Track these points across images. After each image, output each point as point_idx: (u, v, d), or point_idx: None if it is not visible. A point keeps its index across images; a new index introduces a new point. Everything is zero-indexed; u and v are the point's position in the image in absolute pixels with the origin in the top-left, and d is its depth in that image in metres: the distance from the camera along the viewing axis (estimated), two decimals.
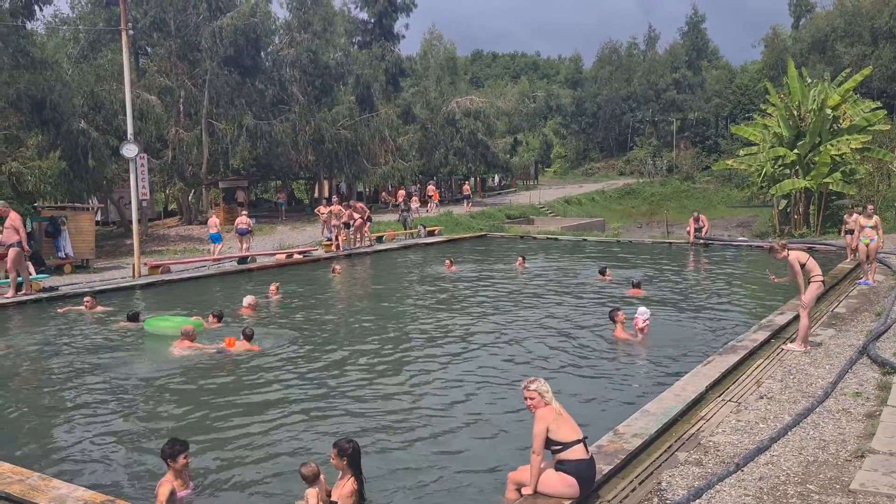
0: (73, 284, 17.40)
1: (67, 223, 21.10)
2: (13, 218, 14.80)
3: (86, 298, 14.12)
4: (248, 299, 13.58)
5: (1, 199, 18.55)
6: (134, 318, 12.70)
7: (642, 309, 11.20)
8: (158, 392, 8.91)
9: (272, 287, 15.38)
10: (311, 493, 5.32)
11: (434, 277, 18.63)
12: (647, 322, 11.00)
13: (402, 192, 41.18)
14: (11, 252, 14.68)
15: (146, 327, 11.95)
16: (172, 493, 5.52)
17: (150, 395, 8.81)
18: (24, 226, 19.94)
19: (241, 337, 10.71)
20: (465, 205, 43.24)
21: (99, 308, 13.86)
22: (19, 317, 13.79)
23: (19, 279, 15.16)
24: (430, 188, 43.72)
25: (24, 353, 10.90)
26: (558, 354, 10.35)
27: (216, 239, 23.14)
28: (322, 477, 5.47)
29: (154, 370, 9.90)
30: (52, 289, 16.13)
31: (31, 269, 17.74)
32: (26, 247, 15.13)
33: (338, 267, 19.53)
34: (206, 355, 10.40)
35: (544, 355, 10.31)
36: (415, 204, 38.11)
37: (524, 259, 20.03)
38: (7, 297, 14.74)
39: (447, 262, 19.68)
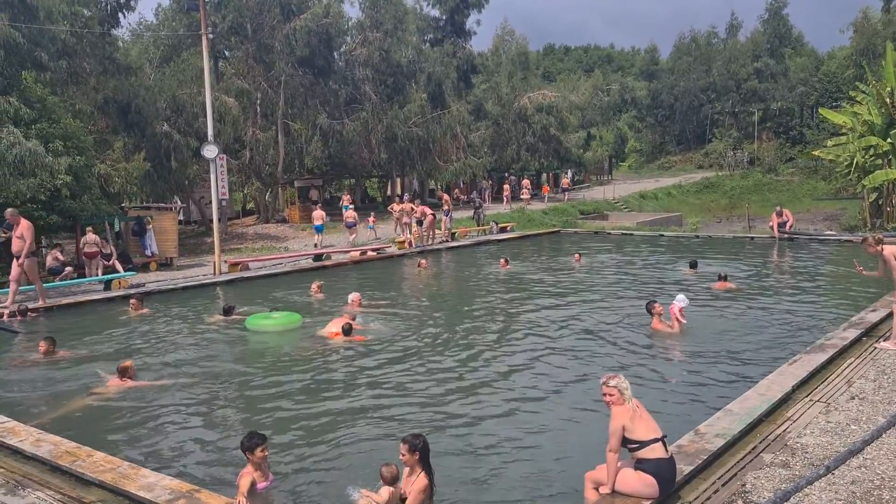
0: (158, 281, 18.10)
1: (152, 222, 21.95)
2: (24, 227, 13.73)
3: (131, 300, 14.11)
4: (352, 296, 13.76)
5: (90, 200, 19.40)
6: (228, 311, 12.99)
7: (680, 297, 11.11)
8: (245, 385, 9.17)
9: (314, 286, 15.47)
10: (386, 491, 5.36)
11: (490, 276, 18.46)
12: (684, 310, 10.92)
13: (507, 187, 41.77)
14: (28, 263, 13.68)
15: (248, 325, 12.13)
16: (253, 485, 5.65)
17: (237, 388, 9.08)
18: (112, 226, 20.82)
19: (341, 331, 11.07)
20: (564, 196, 44.81)
21: (144, 310, 13.94)
22: (111, 313, 14.34)
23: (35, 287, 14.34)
24: (526, 182, 43.70)
25: (116, 348, 11.38)
26: (627, 351, 10.17)
27: (320, 229, 26.36)
28: (400, 483, 5.52)
29: (244, 364, 10.23)
30: (139, 285, 16.81)
31: (119, 266, 18.58)
32: (23, 258, 13.72)
33: (423, 262, 19.86)
34: (312, 349, 10.76)
35: (612, 352, 10.17)
36: (526, 194, 39.74)
37: (580, 255, 20.11)
38: (39, 305, 14.17)
39: (502, 260, 19.54)
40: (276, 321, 12.00)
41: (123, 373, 9.01)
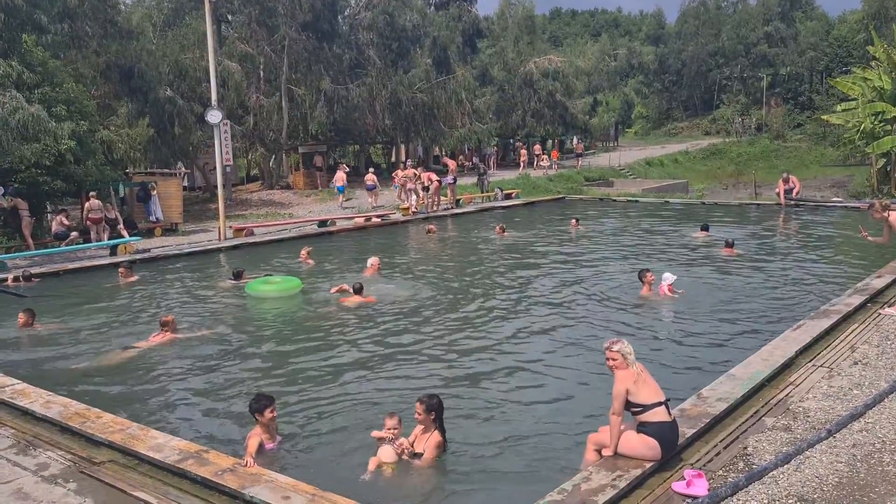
0: (163, 247, 18.15)
1: (157, 188, 21.94)
2: None
3: (120, 269, 14.19)
4: (371, 259, 13.78)
5: (94, 165, 19.37)
6: (238, 276, 13.08)
7: (667, 275, 11.19)
8: (254, 348, 9.26)
9: (303, 252, 15.48)
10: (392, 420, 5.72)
11: (486, 244, 18.36)
12: (672, 286, 10.99)
13: (523, 152, 42.22)
14: None
15: (248, 291, 12.19)
16: (261, 445, 5.74)
17: (245, 351, 9.15)
18: (117, 192, 20.82)
19: (352, 292, 11.24)
20: (577, 162, 44.82)
21: (133, 277, 13.98)
22: (115, 278, 14.40)
23: None
24: (538, 148, 43.38)
25: (123, 311, 11.46)
26: (631, 315, 10.21)
27: (341, 190, 28.36)
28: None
29: (252, 326, 10.31)
30: (144, 251, 16.87)
31: (125, 232, 18.63)
32: None
33: (432, 227, 19.90)
34: (320, 312, 10.89)
35: (615, 318, 10.19)
36: (545, 161, 39.65)
37: (577, 221, 20.02)
38: None
39: (498, 228, 19.35)
40: (276, 286, 12.05)
41: (164, 325, 9.38)
